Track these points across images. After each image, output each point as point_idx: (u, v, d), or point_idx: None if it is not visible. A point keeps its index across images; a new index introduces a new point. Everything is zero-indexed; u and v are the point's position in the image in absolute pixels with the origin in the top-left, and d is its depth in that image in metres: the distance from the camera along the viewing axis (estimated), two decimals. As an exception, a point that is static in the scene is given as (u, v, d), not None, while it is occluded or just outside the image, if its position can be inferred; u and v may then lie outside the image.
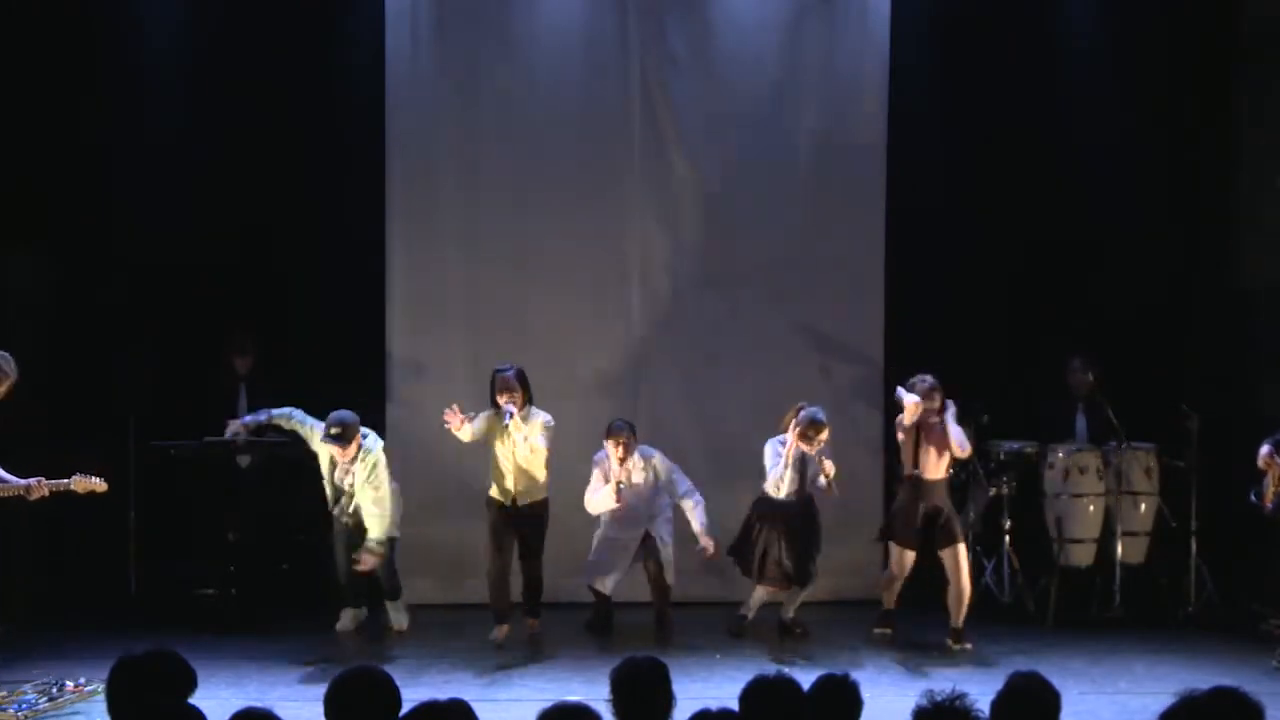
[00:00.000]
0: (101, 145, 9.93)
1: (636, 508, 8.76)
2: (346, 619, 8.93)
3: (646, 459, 8.85)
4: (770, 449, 8.61)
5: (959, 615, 8.48)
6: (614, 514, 8.76)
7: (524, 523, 8.62)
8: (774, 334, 9.88)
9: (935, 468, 8.48)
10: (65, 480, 7.66)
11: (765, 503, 8.69)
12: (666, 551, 8.78)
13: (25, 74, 9.69)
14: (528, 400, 8.47)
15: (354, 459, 8.46)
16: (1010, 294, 10.17)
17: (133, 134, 9.97)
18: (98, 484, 7.80)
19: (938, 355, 9.63)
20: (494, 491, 8.65)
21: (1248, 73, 9.88)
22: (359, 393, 9.15)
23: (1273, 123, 9.59)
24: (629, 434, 8.73)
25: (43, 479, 7.57)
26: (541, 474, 8.59)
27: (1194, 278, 10.26)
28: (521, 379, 8.47)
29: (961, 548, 8.49)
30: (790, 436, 8.46)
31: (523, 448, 8.45)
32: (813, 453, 8.50)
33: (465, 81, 9.91)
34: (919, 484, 8.47)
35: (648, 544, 8.76)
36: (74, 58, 9.82)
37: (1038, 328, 10.15)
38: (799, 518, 8.67)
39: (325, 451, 8.56)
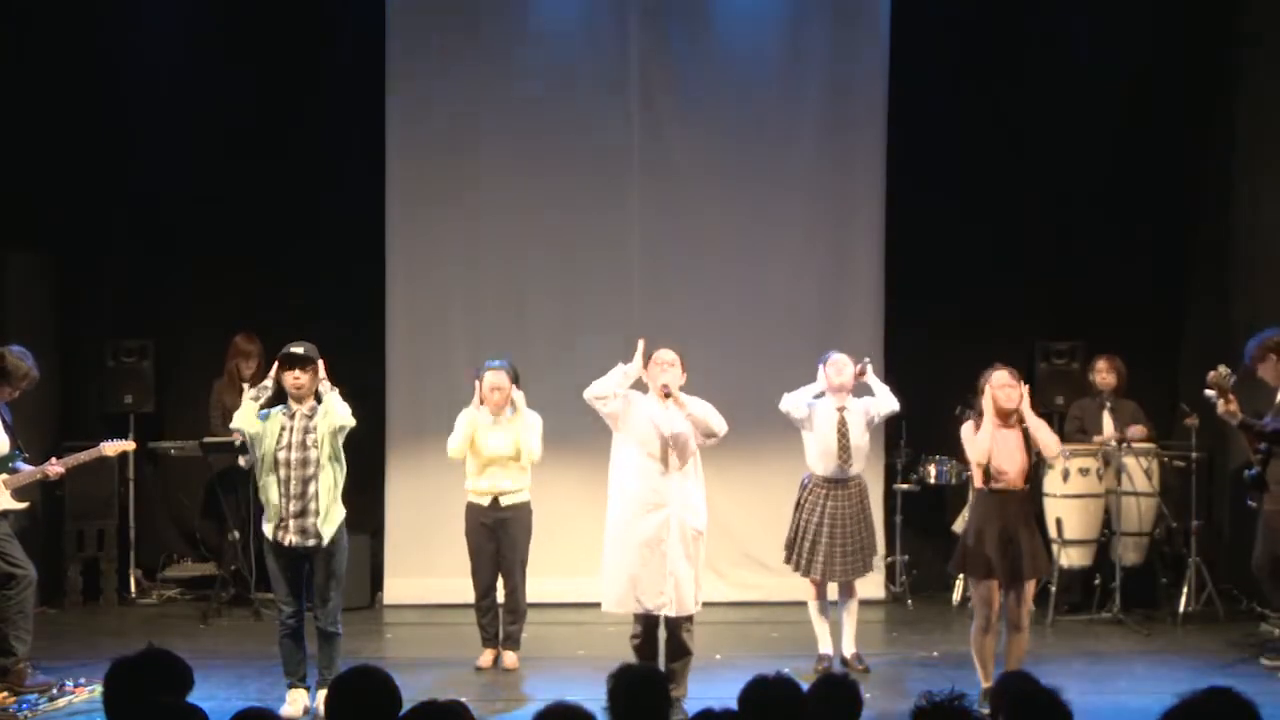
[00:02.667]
0: (102, 145, 9.94)
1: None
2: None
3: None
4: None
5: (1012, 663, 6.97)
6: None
7: (504, 527, 8.01)
8: (775, 333, 9.87)
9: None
10: (94, 449, 7.80)
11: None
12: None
13: (23, 74, 9.70)
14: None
15: (311, 413, 7.03)
16: (1013, 292, 10.17)
17: (133, 132, 9.98)
18: (128, 445, 8.07)
19: (940, 355, 9.66)
20: (473, 494, 8.05)
21: (1247, 71, 9.88)
22: (359, 394, 9.14)
23: (1272, 121, 9.58)
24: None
25: (54, 459, 7.74)
26: (526, 472, 8.04)
27: (1194, 276, 10.28)
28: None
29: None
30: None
31: (504, 438, 7.96)
32: (841, 389, 7.92)
33: (465, 80, 9.91)
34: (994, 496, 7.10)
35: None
36: (73, 58, 9.84)
37: (1040, 327, 10.17)
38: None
39: (261, 424, 7.02)
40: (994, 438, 7.00)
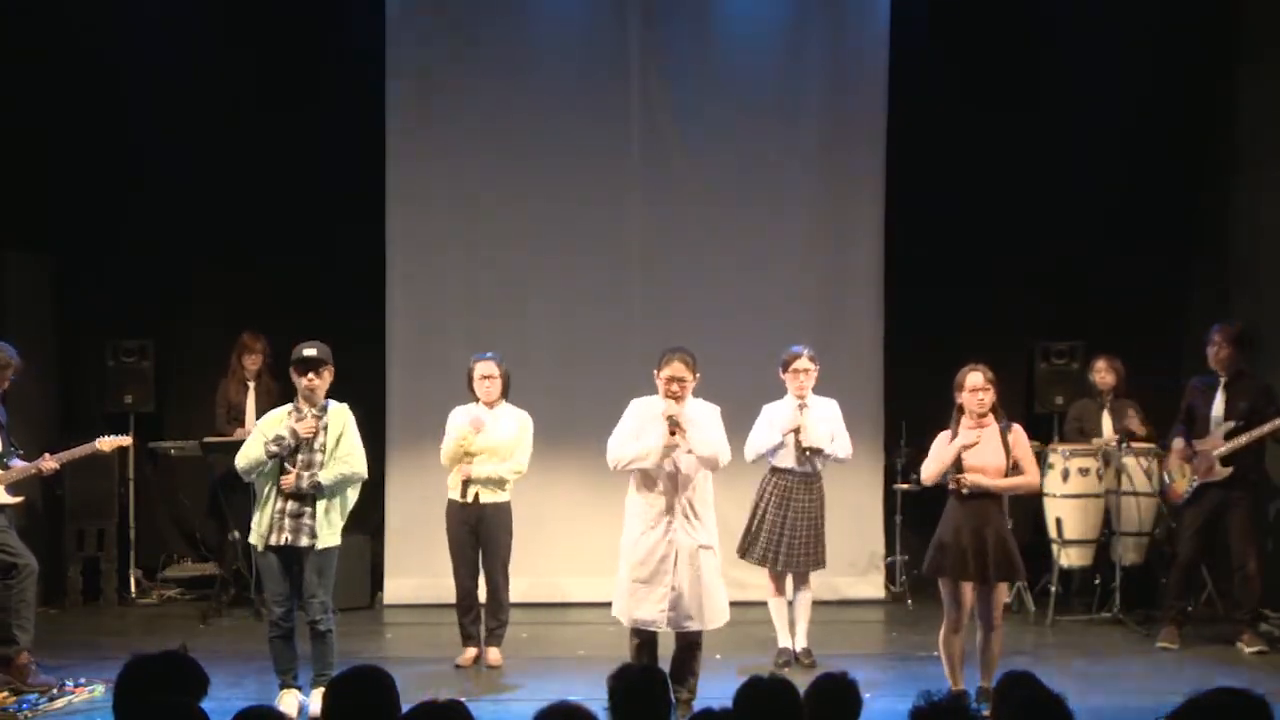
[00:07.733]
0: (102, 145, 9.94)
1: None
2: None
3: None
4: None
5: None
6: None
7: (483, 525, 7.95)
8: (775, 330, 9.85)
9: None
10: (89, 444, 7.75)
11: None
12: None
13: (23, 74, 9.71)
14: (503, 394, 8.05)
15: (321, 414, 7.02)
16: (1014, 292, 10.16)
17: (133, 132, 9.98)
18: (124, 440, 7.96)
19: (940, 355, 9.62)
20: (453, 492, 8.02)
21: (1248, 72, 9.88)
22: (359, 392, 9.14)
23: (1272, 122, 9.58)
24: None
25: (48, 454, 7.69)
26: (510, 474, 8.01)
27: (1194, 276, 10.28)
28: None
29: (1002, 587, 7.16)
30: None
31: (494, 432, 7.93)
32: (801, 391, 8.07)
33: (466, 81, 9.92)
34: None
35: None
36: (73, 59, 9.84)
37: (1040, 327, 10.17)
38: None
39: (275, 427, 7.00)
40: (970, 438, 7.01)
